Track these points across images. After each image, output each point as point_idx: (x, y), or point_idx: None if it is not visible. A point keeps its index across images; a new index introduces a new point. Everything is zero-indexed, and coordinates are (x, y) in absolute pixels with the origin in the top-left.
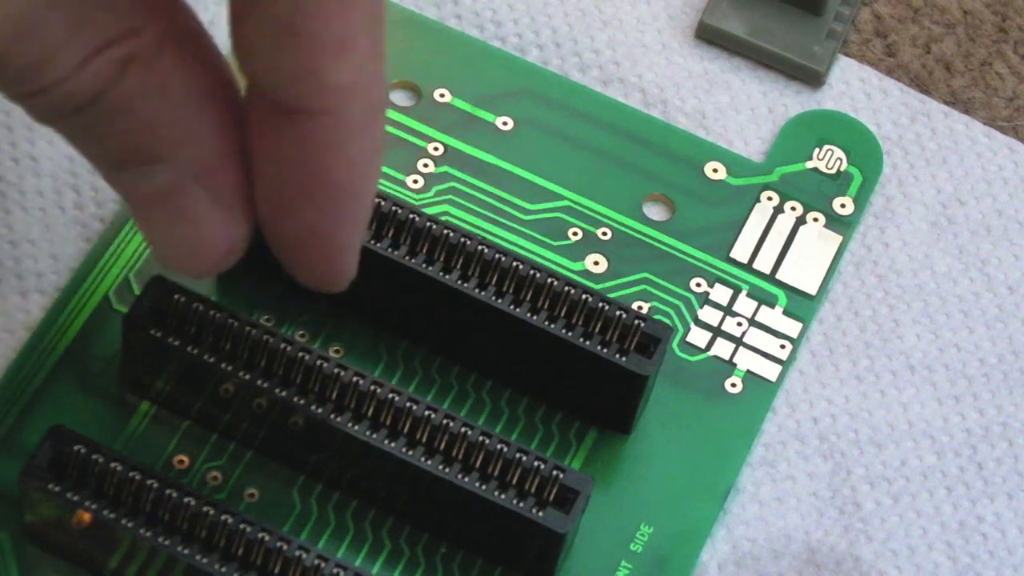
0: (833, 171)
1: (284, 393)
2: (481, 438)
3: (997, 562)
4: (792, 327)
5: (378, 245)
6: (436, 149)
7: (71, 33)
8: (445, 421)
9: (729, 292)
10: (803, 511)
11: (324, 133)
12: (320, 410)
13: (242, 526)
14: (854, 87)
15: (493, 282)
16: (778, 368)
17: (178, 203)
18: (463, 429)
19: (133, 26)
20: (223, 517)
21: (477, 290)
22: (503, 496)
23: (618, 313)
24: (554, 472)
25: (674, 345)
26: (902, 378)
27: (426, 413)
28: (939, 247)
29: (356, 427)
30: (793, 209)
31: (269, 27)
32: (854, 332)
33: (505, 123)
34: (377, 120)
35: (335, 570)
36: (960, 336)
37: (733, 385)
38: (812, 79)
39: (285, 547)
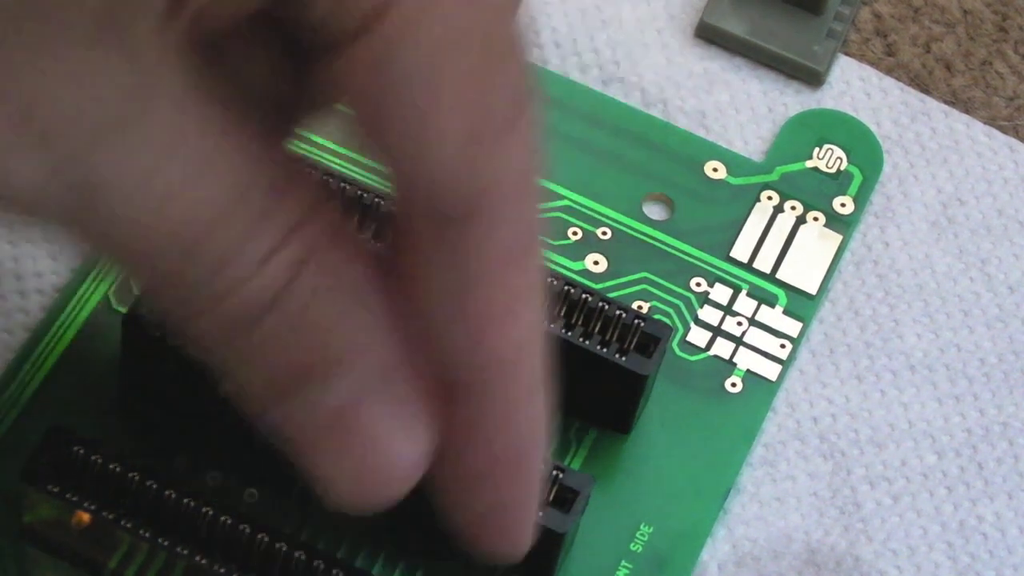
0: (833, 170)
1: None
2: None
3: (997, 562)
4: (792, 327)
5: (379, 245)
6: None
7: (258, 222)
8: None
9: (729, 292)
10: (803, 511)
11: (491, 407)
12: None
13: (242, 527)
14: (854, 86)
15: None
16: (778, 368)
17: (356, 422)
18: None
19: (308, 213)
20: (222, 518)
21: None
22: None
23: (618, 313)
24: (554, 472)
25: (674, 345)
26: (902, 378)
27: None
28: (939, 247)
29: None
30: (793, 208)
31: (426, 300)
32: (854, 332)
33: None
34: (536, 376)
35: (334, 570)
36: (960, 336)
37: (733, 385)
38: (812, 78)
39: (284, 548)
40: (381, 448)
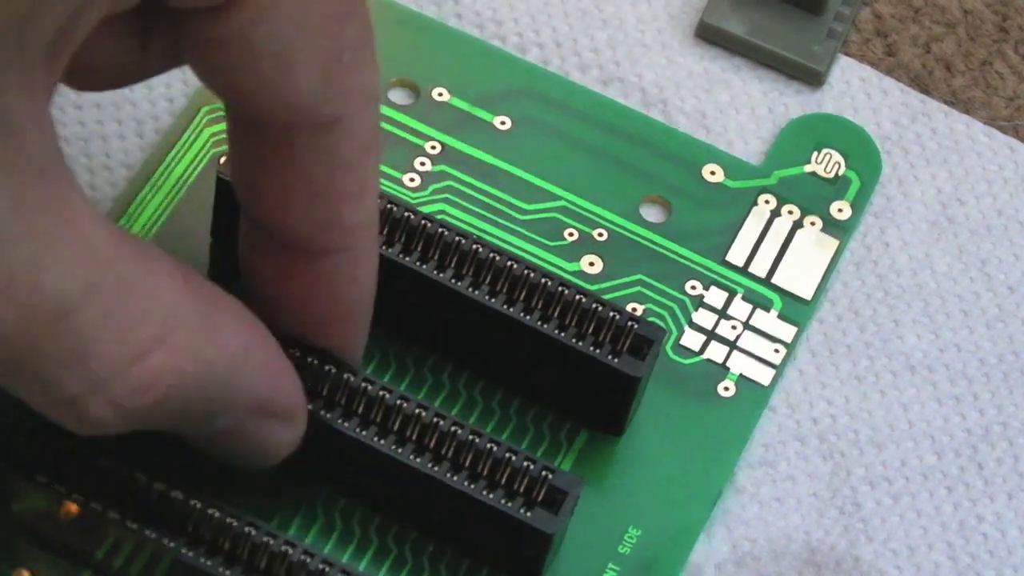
0: (831, 175)
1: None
2: (471, 437)
3: (997, 562)
4: (787, 331)
5: None
6: (433, 148)
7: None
8: (436, 419)
9: (724, 295)
10: (803, 511)
11: (347, 267)
12: (310, 406)
13: (229, 520)
14: (854, 87)
15: (487, 281)
16: (771, 372)
17: (237, 435)
18: (453, 428)
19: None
20: (210, 511)
21: (471, 289)
22: (492, 495)
23: (611, 314)
24: (543, 472)
25: (668, 348)
26: (902, 378)
27: (417, 411)
28: (939, 247)
29: (345, 424)
30: (790, 213)
31: (303, 188)
32: (854, 332)
33: (503, 122)
34: (377, 243)
35: (321, 565)
36: (960, 336)
37: (726, 389)
38: (812, 79)
39: (271, 542)
40: (269, 446)
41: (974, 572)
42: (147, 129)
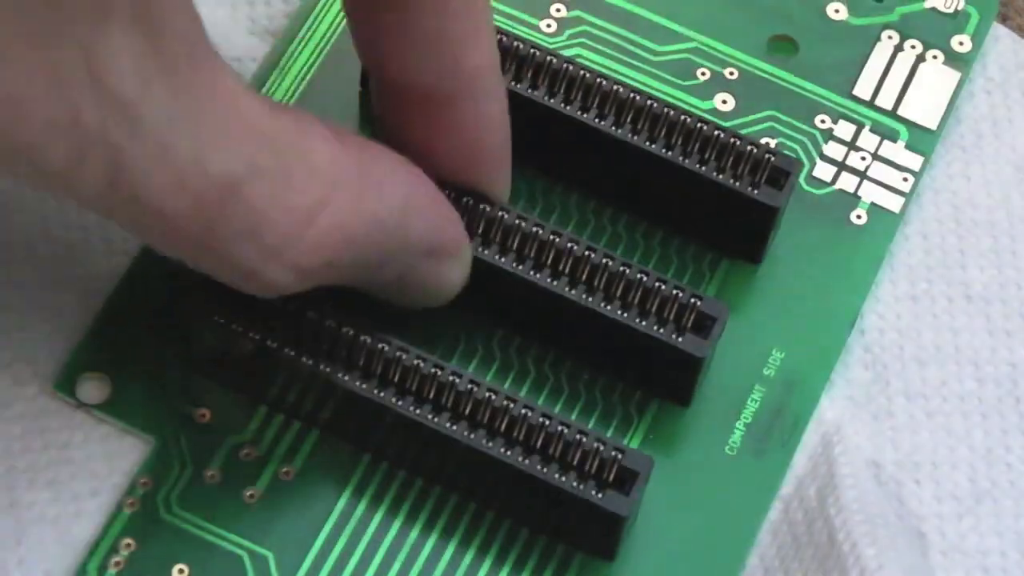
0: (951, 10)
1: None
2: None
3: (1017, 493)
4: (914, 160)
5: (518, 86)
6: None
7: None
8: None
9: (852, 128)
10: (836, 409)
11: (476, 111)
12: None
13: (399, 353)
14: None
15: (628, 120)
16: (901, 200)
17: (409, 279)
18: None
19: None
20: (380, 345)
21: (614, 128)
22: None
23: (749, 148)
24: (691, 299)
25: (801, 179)
26: (957, 304)
27: (487, 395)
28: (1019, 190)
29: (502, 259)
30: (913, 47)
31: (418, 39)
32: (919, 255)
33: None
34: (502, 84)
35: (487, 394)
36: (1022, 276)
37: (858, 217)
38: None
39: (439, 373)
40: (441, 285)
41: (992, 498)
42: None
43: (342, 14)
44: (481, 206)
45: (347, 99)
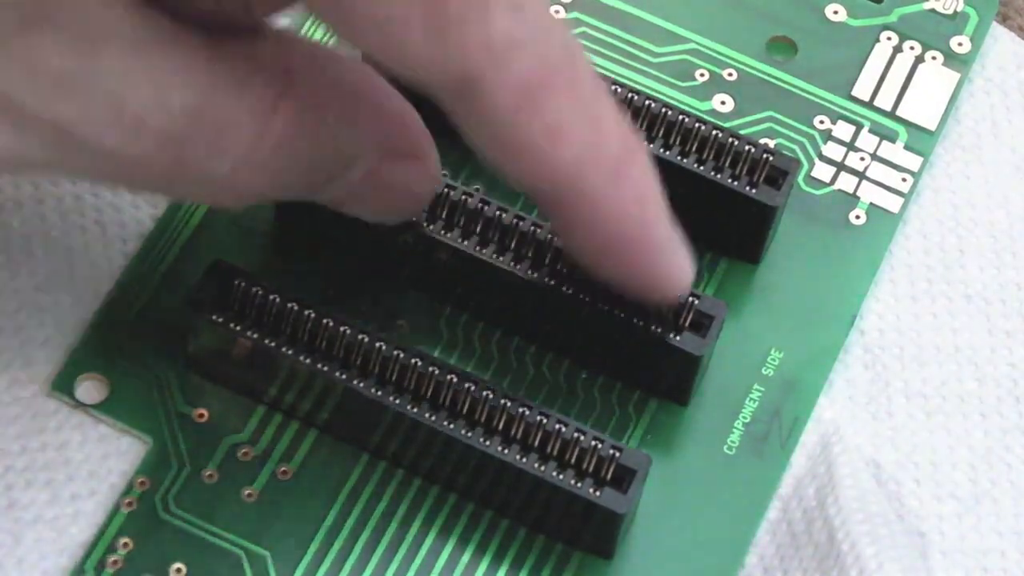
0: (950, 12)
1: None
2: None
3: (1017, 493)
4: (913, 161)
5: None
6: None
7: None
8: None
9: (851, 128)
10: (836, 409)
11: (583, 214)
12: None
13: (396, 352)
14: None
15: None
16: (900, 200)
17: (377, 185)
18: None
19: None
20: (377, 344)
21: None
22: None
23: (747, 148)
24: (688, 299)
25: (800, 179)
26: (957, 304)
27: (485, 394)
28: (1019, 190)
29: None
30: (912, 48)
31: (484, 151)
32: (918, 254)
33: None
34: (622, 173)
35: (485, 392)
36: (1022, 276)
37: (857, 217)
38: None
39: (437, 371)
40: (410, 192)
41: (991, 498)
42: None
43: None
44: (479, 205)
45: None
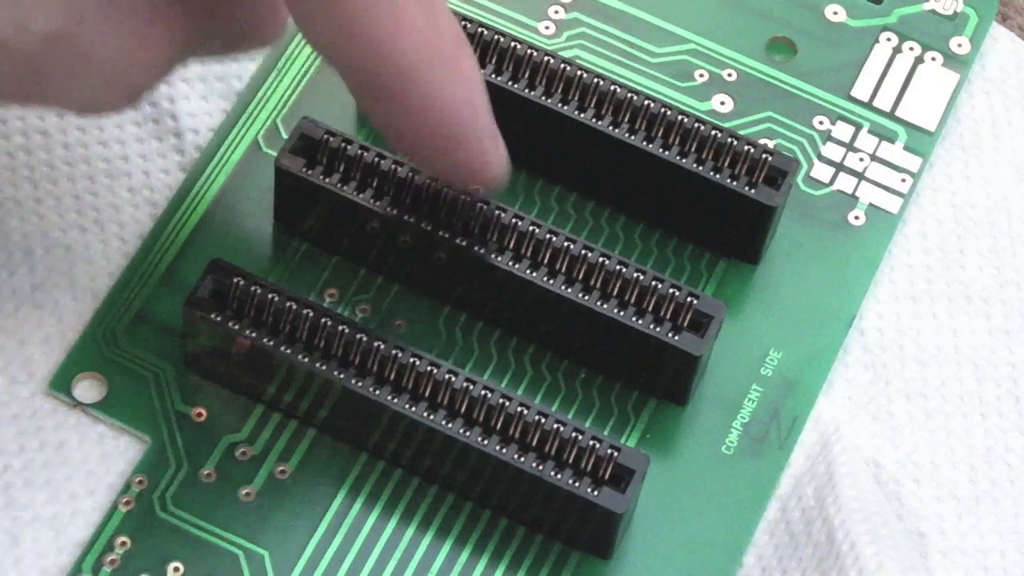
0: (949, 12)
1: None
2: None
3: (1017, 492)
4: (912, 162)
5: (515, 86)
6: None
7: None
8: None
9: (851, 129)
10: (834, 410)
11: (422, 99)
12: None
13: (395, 352)
14: None
15: (626, 119)
16: (899, 201)
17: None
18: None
19: None
20: (376, 343)
21: (611, 128)
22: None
23: (747, 148)
24: (688, 299)
25: (799, 180)
26: (957, 304)
27: (483, 393)
28: (1019, 191)
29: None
30: (911, 49)
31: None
32: (918, 255)
33: None
34: (455, 66)
35: (483, 392)
36: (1022, 276)
37: (856, 218)
38: None
39: (436, 371)
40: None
41: (991, 498)
42: None
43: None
44: (477, 206)
45: (345, 101)
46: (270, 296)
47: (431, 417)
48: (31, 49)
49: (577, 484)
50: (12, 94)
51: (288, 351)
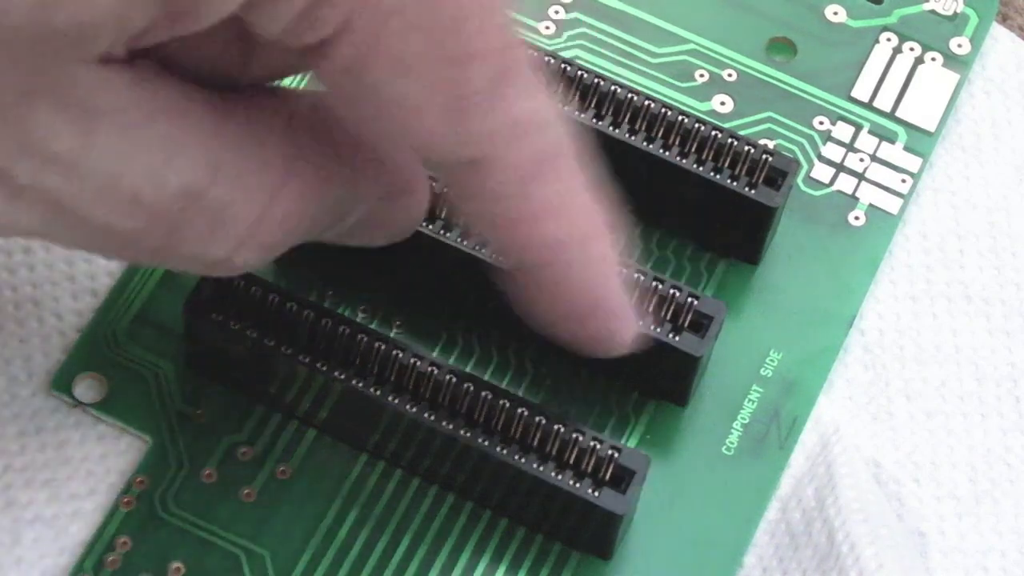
0: (949, 13)
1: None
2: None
3: (1017, 492)
4: (912, 162)
5: None
6: None
7: (236, 190)
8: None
9: (851, 129)
10: (834, 411)
11: (561, 277)
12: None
13: (395, 352)
14: None
15: (626, 120)
16: (900, 201)
17: (373, 222)
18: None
19: (288, 169)
20: (376, 344)
21: (611, 128)
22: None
23: (747, 148)
24: (688, 299)
25: (799, 180)
26: (956, 304)
27: (484, 394)
28: (1019, 191)
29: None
30: (911, 49)
31: (473, 221)
32: (918, 254)
33: None
34: (594, 248)
35: (484, 393)
36: (1022, 276)
37: (856, 218)
38: None
39: (436, 371)
40: (400, 222)
41: (991, 498)
42: None
43: None
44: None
45: None
46: (270, 297)
47: (432, 417)
48: (166, 203)
49: (578, 485)
50: (144, 251)
51: (288, 352)
